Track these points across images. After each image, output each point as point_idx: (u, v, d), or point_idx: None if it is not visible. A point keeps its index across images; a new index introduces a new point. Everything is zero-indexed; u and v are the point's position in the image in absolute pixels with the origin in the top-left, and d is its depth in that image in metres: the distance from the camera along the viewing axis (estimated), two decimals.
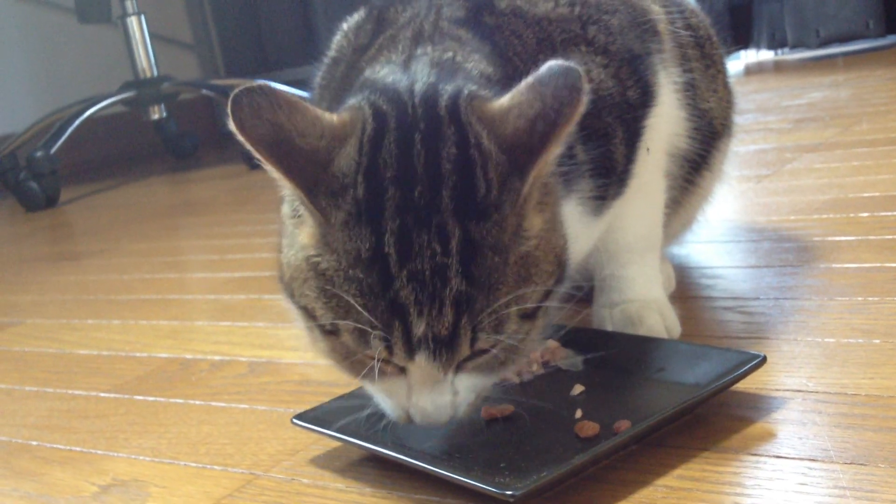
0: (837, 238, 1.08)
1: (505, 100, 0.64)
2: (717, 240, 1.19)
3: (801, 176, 1.41)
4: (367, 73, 0.73)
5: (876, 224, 1.10)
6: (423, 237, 0.61)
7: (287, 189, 0.65)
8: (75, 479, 0.84)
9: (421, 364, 0.63)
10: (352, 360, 0.66)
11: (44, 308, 1.52)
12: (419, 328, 0.61)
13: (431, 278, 0.61)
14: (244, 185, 2.47)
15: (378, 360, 0.64)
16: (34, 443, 0.94)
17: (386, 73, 0.72)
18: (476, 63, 0.73)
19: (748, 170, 1.51)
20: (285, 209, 0.71)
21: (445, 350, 0.62)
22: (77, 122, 2.79)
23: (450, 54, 0.72)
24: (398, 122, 0.65)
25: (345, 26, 0.88)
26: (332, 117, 0.66)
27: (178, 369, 1.08)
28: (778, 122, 1.88)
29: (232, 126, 0.62)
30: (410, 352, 0.62)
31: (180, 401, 0.97)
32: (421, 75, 0.69)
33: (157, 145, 3.37)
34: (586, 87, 0.61)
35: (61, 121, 2.80)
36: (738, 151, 1.63)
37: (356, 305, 0.62)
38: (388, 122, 0.65)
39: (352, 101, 0.69)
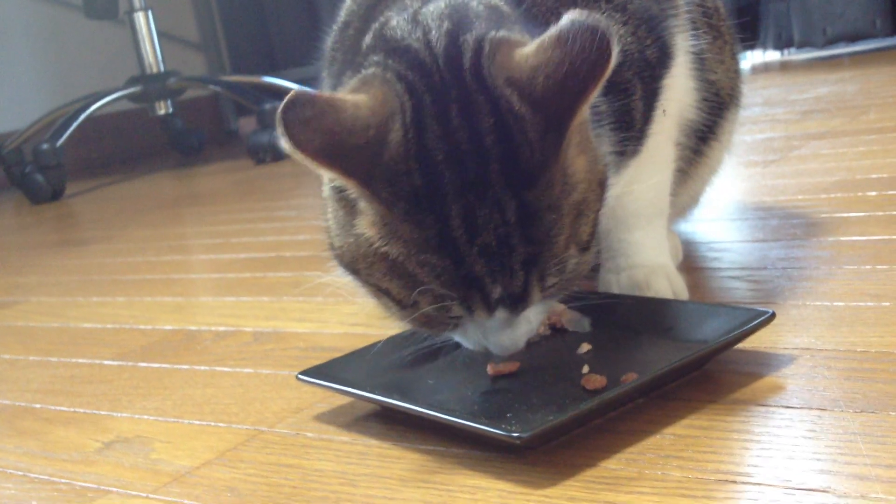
0: (845, 214, 1.08)
1: (530, 52, 0.64)
2: (724, 217, 1.18)
3: (809, 161, 1.41)
4: (376, 26, 0.73)
5: (884, 201, 1.10)
6: (484, 212, 0.64)
7: (348, 187, 0.65)
8: (79, 437, 0.83)
9: (500, 317, 0.67)
10: (432, 324, 0.70)
11: (48, 288, 1.52)
12: (495, 293, 0.65)
13: (499, 248, 0.64)
14: (250, 177, 2.47)
15: (459, 319, 0.68)
16: (37, 405, 0.93)
17: (394, 25, 0.71)
18: (487, 2, 0.72)
19: (755, 156, 1.51)
20: (326, 191, 0.73)
21: (520, 302, 0.66)
22: (83, 116, 2.78)
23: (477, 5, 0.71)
24: (433, 97, 0.66)
25: None
26: (366, 100, 0.65)
27: (183, 339, 1.07)
28: (785, 114, 1.88)
29: (286, 145, 0.62)
30: (490, 311, 0.66)
31: (185, 367, 0.97)
32: (434, 23, 0.69)
33: (163, 142, 3.38)
34: (616, 45, 0.62)
35: (67, 115, 2.80)
36: (745, 140, 1.64)
37: (432, 285, 0.65)
38: (423, 97, 0.66)
39: (371, 69, 0.69)
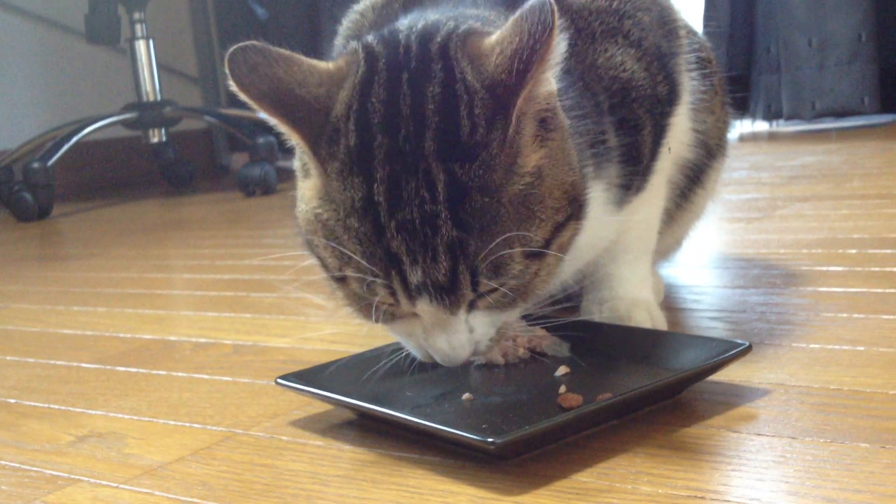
0: (825, 268, 1.09)
1: (494, 35, 0.64)
2: (706, 265, 1.20)
3: (792, 220, 1.43)
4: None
5: (864, 258, 1.12)
6: (411, 184, 0.61)
7: (294, 141, 0.66)
8: (52, 431, 0.83)
9: (425, 309, 0.64)
10: (365, 305, 0.67)
11: (29, 296, 1.51)
12: (415, 276, 0.62)
13: (422, 226, 0.61)
14: (238, 208, 2.48)
15: (385, 305, 0.65)
16: (12, 400, 0.93)
17: (405, 19, 0.73)
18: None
19: (740, 213, 1.53)
20: (296, 163, 0.73)
21: (446, 295, 0.63)
22: (76, 138, 2.80)
23: (486, 15, 0.73)
24: (388, 63, 0.65)
25: (359, 7, 0.89)
26: (329, 64, 0.67)
27: (162, 348, 1.07)
28: (771, 178, 1.91)
29: (232, 85, 0.64)
30: (411, 298, 0.63)
31: (163, 372, 0.97)
32: (432, 17, 0.70)
33: (154, 171, 3.38)
34: (557, 21, 0.60)
35: (61, 136, 2.81)
36: (731, 199, 1.66)
37: (355, 255, 0.63)
38: (378, 62, 0.66)
39: (352, 44, 0.70)
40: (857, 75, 2.65)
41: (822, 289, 1.01)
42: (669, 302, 1.02)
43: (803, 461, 0.60)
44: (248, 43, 0.65)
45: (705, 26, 2.80)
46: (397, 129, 0.63)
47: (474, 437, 0.62)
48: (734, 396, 0.72)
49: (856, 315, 0.90)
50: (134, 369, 0.99)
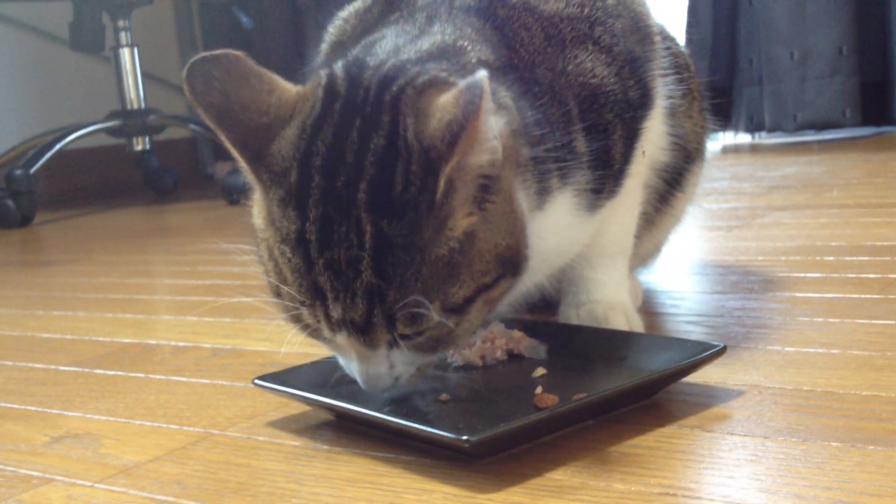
0: (802, 275, 1.10)
1: (446, 95, 0.63)
2: (684, 271, 1.21)
3: (771, 228, 1.44)
4: (369, 37, 0.75)
5: (841, 265, 1.13)
6: (342, 228, 0.63)
7: (234, 156, 0.67)
8: (28, 431, 0.83)
9: (344, 342, 0.66)
10: (299, 324, 0.69)
11: (7, 300, 1.51)
12: (336, 312, 0.64)
13: (346, 268, 0.63)
14: (222, 216, 2.48)
15: (313, 327, 0.68)
16: None
17: (375, 39, 0.74)
18: (479, 52, 0.74)
19: (720, 221, 1.54)
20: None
21: (363, 335, 0.65)
22: (59, 145, 2.79)
23: (461, 42, 0.74)
24: (344, 106, 0.66)
25: (343, 14, 0.90)
26: (287, 94, 0.68)
27: (141, 351, 1.07)
28: (751, 188, 1.92)
29: (186, 90, 0.65)
30: (332, 330, 0.66)
31: (140, 375, 0.97)
32: (404, 52, 0.71)
33: (137, 180, 3.37)
34: (486, 105, 0.60)
35: (44, 143, 2.80)
36: (711, 208, 1.67)
37: (287, 279, 0.66)
38: (336, 105, 0.67)
39: (323, 69, 0.71)
40: (839, 88, 2.67)
41: (798, 294, 1.02)
42: (648, 306, 1.03)
43: (775, 459, 0.61)
44: (216, 52, 0.66)
45: (687, 40, 2.82)
46: (337, 173, 0.64)
47: (449, 435, 0.62)
48: (709, 397, 0.73)
49: (831, 319, 0.90)
50: (112, 372, 0.99)
